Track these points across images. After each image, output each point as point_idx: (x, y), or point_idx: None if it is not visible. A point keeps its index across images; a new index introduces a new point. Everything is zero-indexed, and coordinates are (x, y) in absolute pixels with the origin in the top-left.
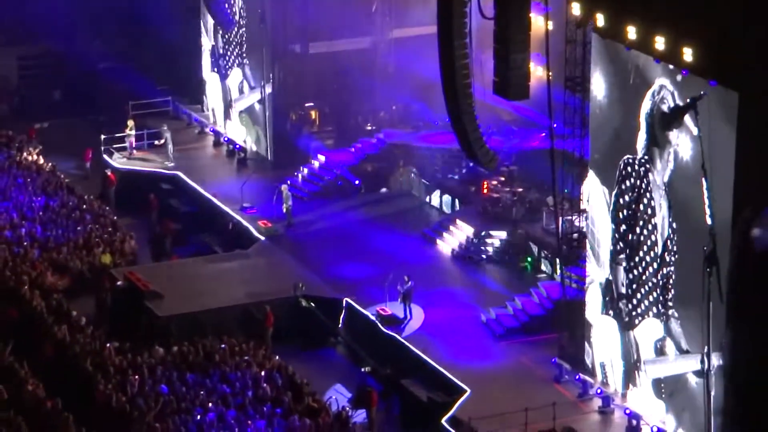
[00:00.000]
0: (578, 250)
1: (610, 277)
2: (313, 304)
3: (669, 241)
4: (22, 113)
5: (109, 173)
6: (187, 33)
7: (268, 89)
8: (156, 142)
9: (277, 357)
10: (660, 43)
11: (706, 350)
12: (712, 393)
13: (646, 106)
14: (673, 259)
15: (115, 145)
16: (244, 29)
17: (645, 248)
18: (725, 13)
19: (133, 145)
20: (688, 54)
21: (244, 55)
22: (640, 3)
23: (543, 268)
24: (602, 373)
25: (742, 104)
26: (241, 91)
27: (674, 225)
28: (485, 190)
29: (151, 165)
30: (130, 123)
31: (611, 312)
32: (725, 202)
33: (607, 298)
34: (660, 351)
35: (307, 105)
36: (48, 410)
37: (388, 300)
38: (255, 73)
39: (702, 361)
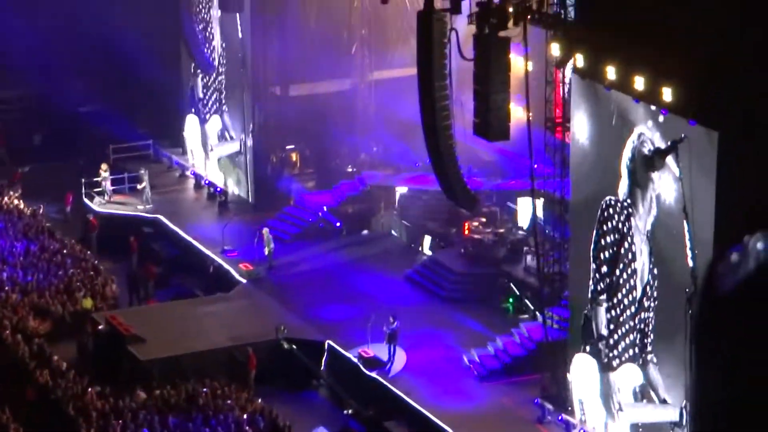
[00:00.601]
0: (560, 290)
1: (590, 315)
2: (294, 347)
3: (649, 287)
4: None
5: (90, 218)
6: (168, 75)
7: (249, 139)
8: (138, 186)
9: (260, 400)
10: (639, 83)
11: (684, 402)
12: None
13: (627, 148)
14: (652, 304)
15: (95, 189)
16: (222, 75)
17: (624, 291)
18: (704, 53)
19: (109, 189)
20: (667, 94)
21: (224, 101)
22: (618, 43)
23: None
24: (581, 410)
25: (721, 144)
26: (221, 137)
27: (655, 271)
28: (466, 231)
29: (130, 209)
30: (104, 166)
31: (590, 350)
32: (707, 244)
33: (586, 336)
34: (640, 396)
35: (287, 147)
36: None
37: (370, 341)
38: (234, 120)
39: (681, 413)
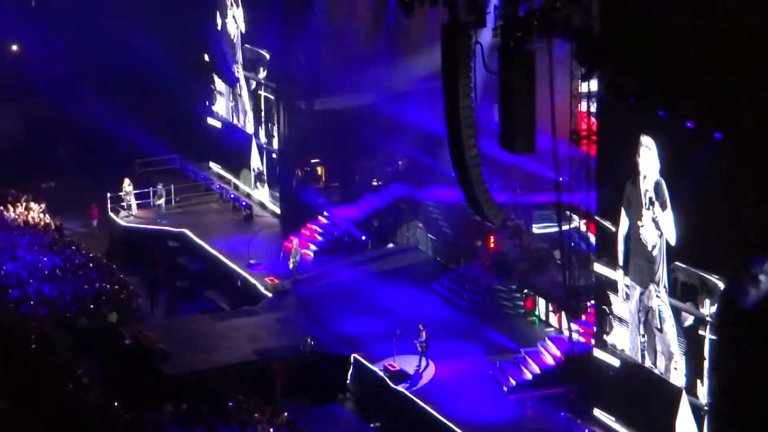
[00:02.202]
0: (585, 303)
1: None
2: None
3: None
4: (28, 171)
5: (116, 231)
6: (194, 89)
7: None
8: (155, 201)
9: (286, 414)
10: (664, 95)
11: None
12: None
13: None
14: None
15: (120, 204)
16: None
17: None
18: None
19: (133, 204)
20: (691, 106)
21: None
22: (644, 57)
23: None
24: None
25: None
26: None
27: None
28: (492, 245)
29: (154, 223)
30: (127, 181)
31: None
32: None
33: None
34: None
35: (312, 161)
36: None
37: (396, 354)
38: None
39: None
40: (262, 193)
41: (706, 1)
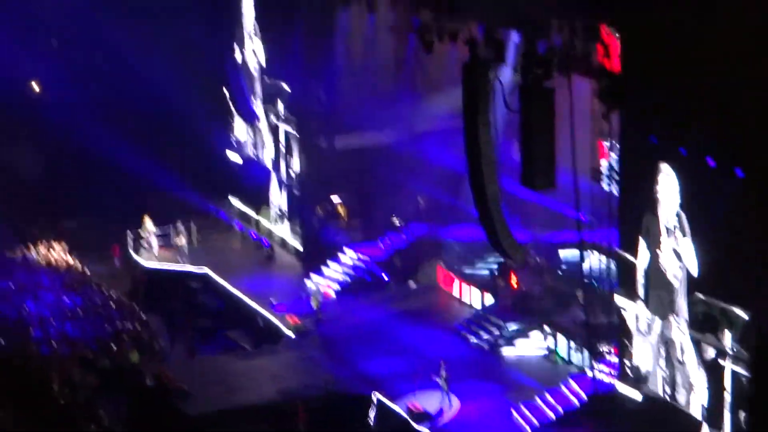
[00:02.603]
0: (608, 341)
1: None
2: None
3: None
4: (49, 211)
5: (137, 271)
6: (213, 126)
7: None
8: (176, 241)
9: None
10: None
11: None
12: None
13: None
14: None
15: (140, 242)
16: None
17: None
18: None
19: (154, 242)
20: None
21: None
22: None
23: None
24: None
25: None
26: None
27: None
28: (514, 283)
29: (172, 262)
30: (146, 219)
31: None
32: None
33: None
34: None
35: (333, 199)
36: None
37: (418, 390)
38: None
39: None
40: (283, 230)
41: (726, 39)
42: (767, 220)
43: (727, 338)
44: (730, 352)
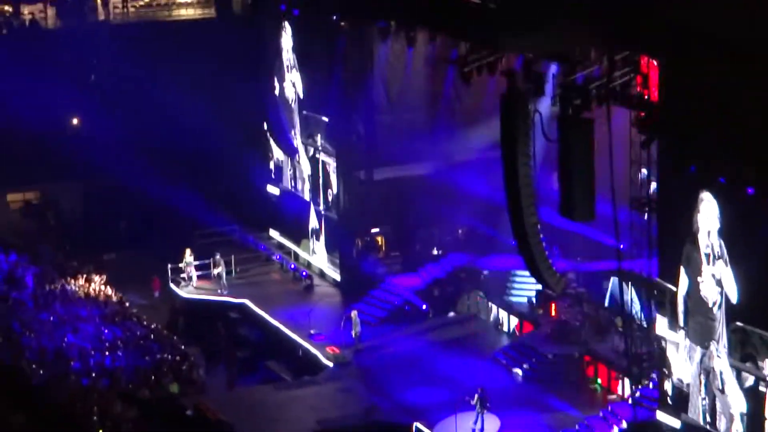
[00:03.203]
0: (648, 370)
1: None
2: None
3: None
4: (89, 244)
5: (177, 303)
6: (252, 157)
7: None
8: (213, 272)
9: None
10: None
11: None
12: None
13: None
14: None
15: (181, 275)
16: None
17: None
18: None
19: (194, 274)
20: (752, 173)
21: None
22: (701, 126)
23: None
24: None
25: None
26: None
27: None
28: (553, 312)
29: (212, 294)
30: (188, 251)
31: None
32: None
33: None
34: None
35: (372, 231)
36: None
37: (458, 413)
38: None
39: None
40: (322, 261)
41: (762, 69)
42: None
43: (767, 366)
44: None
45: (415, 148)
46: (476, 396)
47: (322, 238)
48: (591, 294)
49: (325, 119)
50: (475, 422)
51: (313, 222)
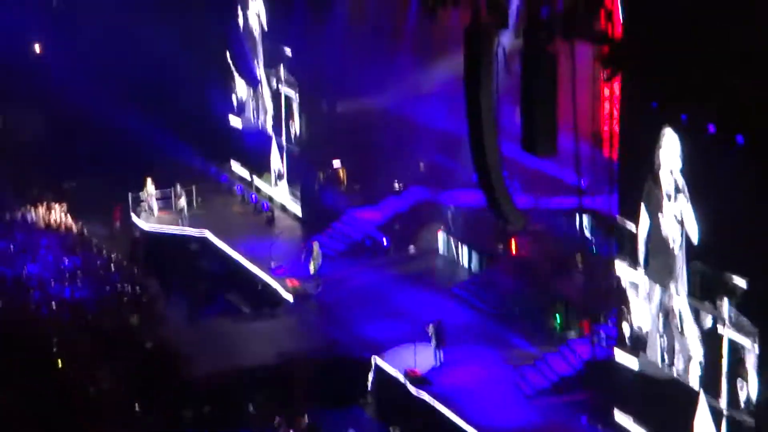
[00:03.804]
0: (607, 308)
1: None
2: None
3: None
4: (49, 171)
5: (137, 234)
6: (214, 90)
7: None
8: (177, 204)
9: (307, 417)
10: (685, 99)
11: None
12: None
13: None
14: None
15: (143, 204)
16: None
17: None
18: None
19: (155, 205)
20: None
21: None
22: (667, 61)
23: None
24: None
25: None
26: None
27: None
28: (514, 249)
29: (172, 225)
30: (149, 182)
31: None
32: None
33: None
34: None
35: (334, 163)
36: None
37: (416, 353)
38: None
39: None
40: (283, 194)
41: (728, 6)
42: (766, 188)
43: (725, 306)
44: (728, 321)
45: (378, 80)
46: (431, 327)
47: (284, 171)
48: (551, 230)
49: (288, 51)
50: (433, 358)
51: (275, 158)
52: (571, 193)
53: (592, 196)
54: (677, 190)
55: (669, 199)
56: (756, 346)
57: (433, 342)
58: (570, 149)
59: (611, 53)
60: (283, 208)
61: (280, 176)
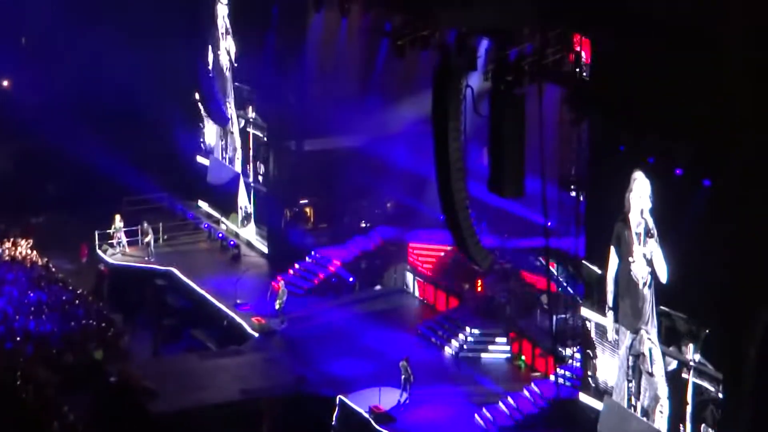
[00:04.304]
0: (572, 348)
1: None
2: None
3: None
4: (17, 206)
5: (102, 267)
6: (183, 128)
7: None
8: (142, 239)
9: None
10: (653, 143)
11: None
12: None
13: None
14: None
15: (109, 241)
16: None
17: None
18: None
19: (123, 241)
20: (680, 154)
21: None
22: (632, 103)
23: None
24: None
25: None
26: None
27: None
28: (479, 288)
29: (142, 261)
30: (118, 218)
31: None
32: None
33: None
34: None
35: (301, 201)
36: None
37: (381, 391)
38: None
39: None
40: (249, 232)
41: (693, 51)
42: (731, 231)
43: (690, 351)
44: (693, 365)
45: (346, 119)
46: (403, 362)
47: (251, 210)
48: (517, 271)
49: (256, 91)
50: (402, 392)
51: (242, 196)
52: (538, 234)
53: (558, 237)
54: (648, 231)
55: (639, 241)
56: (719, 392)
57: (404, 376)
58: (538, 190)
59: (579, 95)
60: (249, 245)
61: (247, 215)
